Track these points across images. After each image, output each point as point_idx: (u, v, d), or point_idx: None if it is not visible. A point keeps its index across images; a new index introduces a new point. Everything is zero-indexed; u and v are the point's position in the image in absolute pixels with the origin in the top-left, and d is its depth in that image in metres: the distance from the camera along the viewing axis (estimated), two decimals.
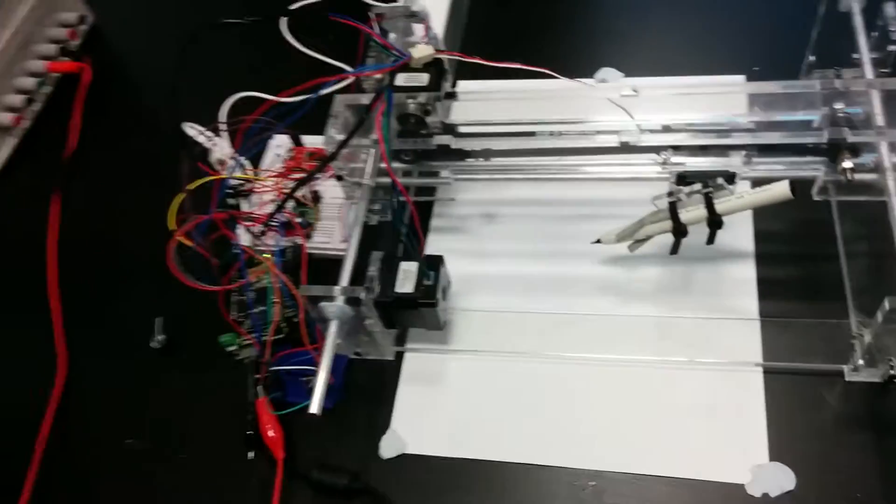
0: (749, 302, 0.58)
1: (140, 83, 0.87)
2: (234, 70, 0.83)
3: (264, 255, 0.61)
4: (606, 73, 0.73)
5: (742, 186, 0.55)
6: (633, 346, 0.58)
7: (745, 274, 0.60)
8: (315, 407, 0.50)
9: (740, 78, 0.68)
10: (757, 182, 0.55)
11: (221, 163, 0.72)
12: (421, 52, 0.58)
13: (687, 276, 0.61)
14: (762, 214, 0.61)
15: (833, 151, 0.52)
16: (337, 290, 0.53)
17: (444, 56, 0.60)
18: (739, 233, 0.61)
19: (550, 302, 0.61)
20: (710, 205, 0.53)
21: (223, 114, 0.76)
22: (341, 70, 0.76)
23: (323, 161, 0.58)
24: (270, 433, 0.56)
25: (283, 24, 0.84)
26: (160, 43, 0.89)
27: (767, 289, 0.59)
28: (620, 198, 0.63)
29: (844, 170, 0.52)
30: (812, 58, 0.65)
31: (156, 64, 0.87)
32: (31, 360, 0.66)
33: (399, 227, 0.58)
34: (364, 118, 0.57)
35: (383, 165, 0.62)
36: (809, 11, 0.63)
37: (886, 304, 0.46)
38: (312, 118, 0.64)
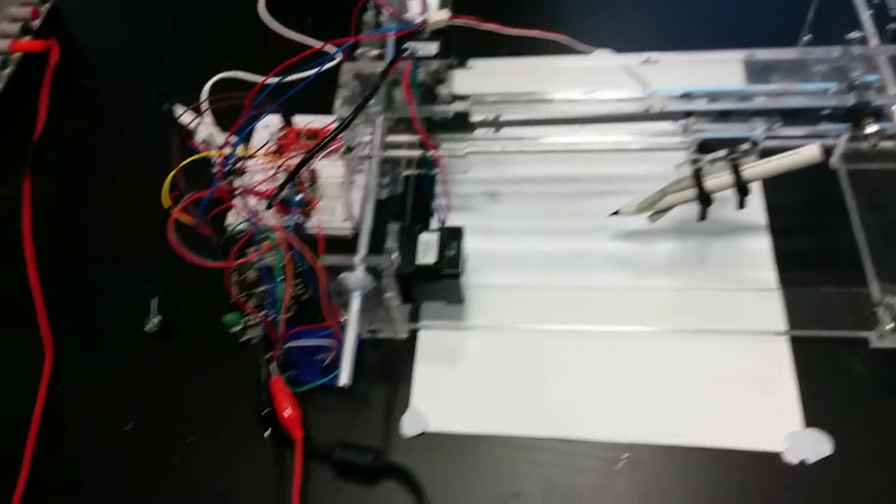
0: (767, 273, 0.58)
1: (104, 64, 0.83)
2: (209, 50, 0.81)
3: (275, 231, 0.58)
4: (601, 53, 0.73)
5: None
6: (654, 318, 0.57)
7: (761, 246, 0.60)
8: (345, 377, 0.48)
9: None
10: (778, 150, 0.55)
11: (206, 143, 0.69)
12: (438, 16, 0.56)
13: (702, 249, 0.60)
14: (771, 188, 0.61)
15: (856, 117, 0.53)
16: (358, 259, 0.51)
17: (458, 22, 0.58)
18: (750, 206, 0.60)
19: (565, 277, 0.60)
20: (736, 171, 0.52)
21: (205, 93, 0.73)
22: (322, 52, 0.73)
23: (336, 129, 0.55)
24: (287, 412, 0.53)
25: (261, 2, 0.81)
26: (122, 25, 0.86)
27: (784, 260, 0.58)
28: (632, 174, 0.62)
29: (868, 135, 0.52)
30: (808, 37, 0.66)
31: (119, 44, 0.84)
32: (15, 351, 0.62)
33: (429, 196, 0.55)
34: (378, 84, 0.55)
35: (390, 138, 0.60)
36: None
37: None
38: (298, 99, 0.62)
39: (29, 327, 0.61)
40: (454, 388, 0.56)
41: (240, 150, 0.65)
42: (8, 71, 0.79)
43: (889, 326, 0.52)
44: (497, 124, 0.60)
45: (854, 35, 0.59)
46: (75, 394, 0.59)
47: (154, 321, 0.60)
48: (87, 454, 0.56)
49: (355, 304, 0.51)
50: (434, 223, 0.63)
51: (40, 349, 0.60)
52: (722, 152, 0.53)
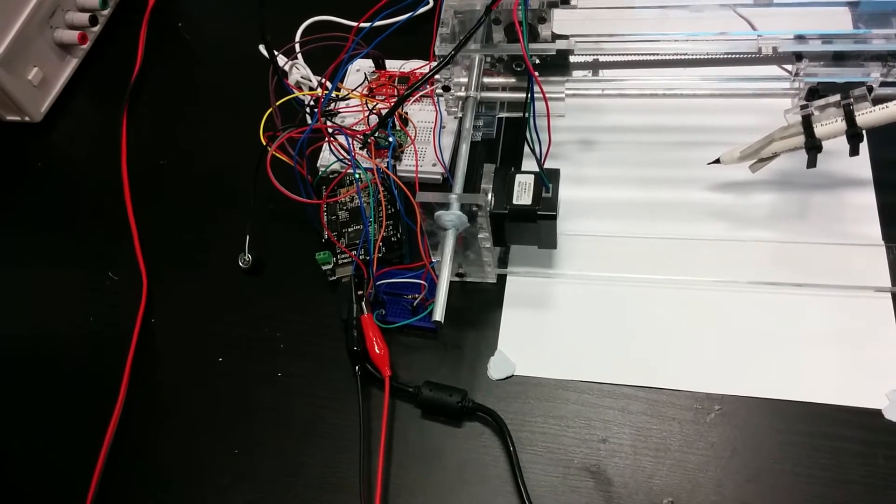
0: (871, 227, 0.56)
1: (201, 7, 0.84)
2: None
3: (367, 170, 0.58)
4: None
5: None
6: (752, 270, 0.56)
7: (865, 200, 0.57)
8: (438, 313, 0.48)
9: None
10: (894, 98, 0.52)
11: (299, 84, 0.69)
12: None
13: (803, 202, 0.58)
14: (878, 140, 0.59)
15: None
16: (454, 197, 0.51)
17: None
18: (855, 159, 0.58)
19: (658, 227, 0.59)
20: (850, 117, 0.50)
21: (298, 35, 0.73)
22: None
23: (438, 65, 0.54)
24: (377, 349, 0.53)
25: None
26: None
27: (889, 214, 0.56)
28: (732, 125, 0.60)
29: None
30: None
31: None
32: (113, 283, 0.64)
33: (531, 134, 0.54)
34: (483, 18, 0.54)
35: (486, 80, 0.59)
36: None
37: None
38: (389, 43, 0.63)
39: (128, 261, 0.63)
40: (541, 334, 0.56)
41: (334, 91, 0.66)
42: (108, 10, 0.80)
43: None
44: (596, 66, 0.59)
45: None
46: (169, 326, 0.60)
47: (247, 257, 0.61)
48: (179, 385, 0.58)
49: (450, 241, 0.51)
50: (528, 166, 0.62)
51: (139, 282, 0.62)
52: (834, 98, 0.51)
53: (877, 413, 0.49)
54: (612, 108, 0.65)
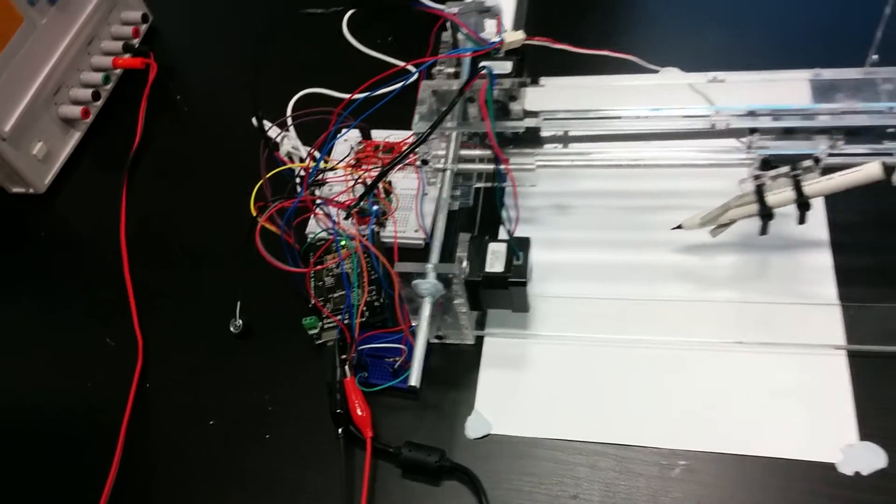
0: (827, 288, 0.59)
1: (199, 81, 0.88)
2: (292, 67, 0.85)
3: (350, 239, 0.62)
4: (669, 71, 0.74)
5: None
6: (715, 330, 0.58)
7: (822, 261, 0.60)
8: (414, 378, 0.51)
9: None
10: (840, 168, 0.56)
11: (290, 155, 0.73)
12: (513, 36, 0.59)
13: (763, 263, 0.61)
14: (834, 204, 0.62)
15: None
16: (430, 267, 0.54)
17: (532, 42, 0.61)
18: (813, 222, 0.61)
19: (628, 288, 0.62)
20: (798, 187, 0.54)
21: (290, 108, 0.77)
22: (403, 71, 0.77)
23: (414, 143, 0.58)
24: (359, 412, 0.56)
25: (344, 22, 0.86)
26: (213, 44, 0.92)
27: (845, 275, 0.59)
28: (695, 189, 0.64)
29: None
30: (875, 56, 0.66)
31: (212, 63, 0.90)
32: (110, 348, 0.67)
33: (500, 206, 0.58)
34: (456, 99, 0.58)
35: (463, 152, 0.63)
36: (874, 12, 0.64)
37: None
38: (377, 114, 0.65)
39: (125, 326, 0.67)
40: (517, 394, 0.58)
41: (322, 163, 0.70)
42: (110, 86, 0.85)
43: None
44: (566, 139, 0.63)
45: None
46: (163, 391, 0.63)
47: (238, 323, 0.64)
48: (172, 448, 0.60)
49: (426, 308, 0.54)
50: (503, 234, 0.65)
51: (134, 348, 0.65)
52: (784, 168, 0.55)
53: (831, 467, 0.52)
54: (584, 174, 0.68)
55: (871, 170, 0.52)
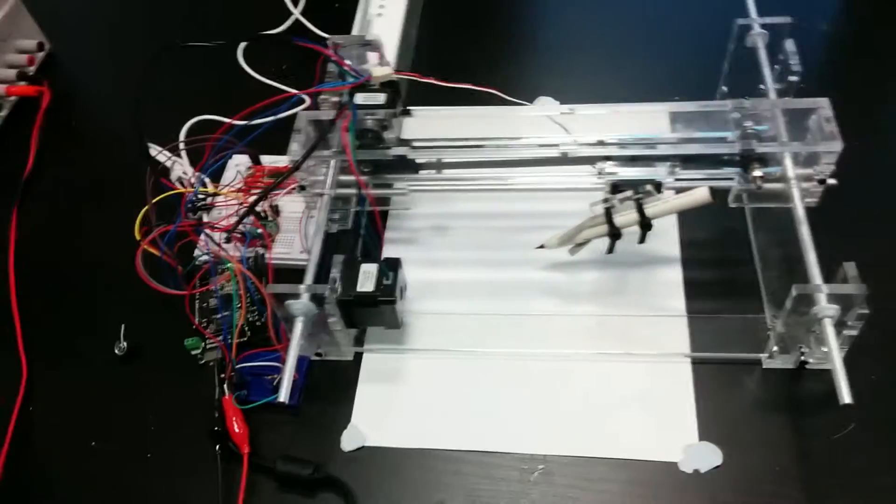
0: (677, 301, 0.64)
1: (95, 108, 0.90)
2: (189, 94, 0.87)
3: (230, 262, 0.64)
4: (544, 101, 0.79)
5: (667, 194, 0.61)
6: (575, 342, 0.63)
7: (673, 276, 0.66)
8: (283, 395, 0.54)
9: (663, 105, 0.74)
10: (681, 190, 0.61)
11: (180, 180, 0.75)
12: (380, 71, 0.63)
13: (621, 279, 0.66)
14: (686, 224, 0.68)
15: (745, 162, 0.59)
16: (302, 288, 0.57)
17: (400, 76, 0.65)
18: (667, 240, 0.67)
19: (499, 304, 0.66)
20: (640, 209, 0.59)
21: (182, 134, 0.80)
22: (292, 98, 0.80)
23: (288, 171, 0.62)
24: (237, 429, 0.59)
25: (240, 51, 0.88)
26: (110, 72, 0.93)
27: (693, 289, 0.65)
28: (559, 210, 0.68)
29: (755, 178, 0.58)
30: (724, 88, 0.72)
31: (108, 90, 0.91)
32: None
33: (361, 230, 0.62)
34: (328, 130, 0.61)
35: (342, 177, 0.66)
36: (721, 48, 0.70)
37: (794, 292, 0.52)
38: (269, 140, 0.68)
39: (9, 350, 0.68)
40: (391, 406, 0.62)
41: (210, 188, 0.72)
42: (4, 113, 0.86)
43: (775, 349, 0.58)
44: (439, 166, 0.67)
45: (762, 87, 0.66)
46: (46, 413, 0.65)
47: (122, 345, 0.66)
48: (54, 469, 0.62)
49: (298, 328, 0.57)
50: (389, 254, 0.69)
51: (19, 372, 0.66)
52: (629, 192, 0.60)
53: (673, 466, 0.56)
54: (460, 197, 0.72)
55: (699, 193, 0.57)
